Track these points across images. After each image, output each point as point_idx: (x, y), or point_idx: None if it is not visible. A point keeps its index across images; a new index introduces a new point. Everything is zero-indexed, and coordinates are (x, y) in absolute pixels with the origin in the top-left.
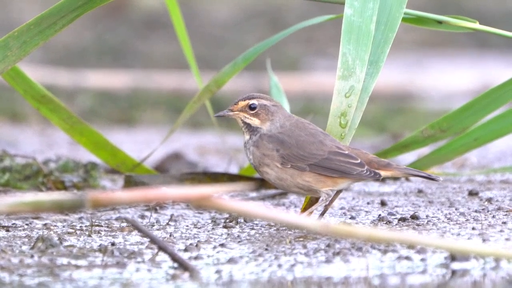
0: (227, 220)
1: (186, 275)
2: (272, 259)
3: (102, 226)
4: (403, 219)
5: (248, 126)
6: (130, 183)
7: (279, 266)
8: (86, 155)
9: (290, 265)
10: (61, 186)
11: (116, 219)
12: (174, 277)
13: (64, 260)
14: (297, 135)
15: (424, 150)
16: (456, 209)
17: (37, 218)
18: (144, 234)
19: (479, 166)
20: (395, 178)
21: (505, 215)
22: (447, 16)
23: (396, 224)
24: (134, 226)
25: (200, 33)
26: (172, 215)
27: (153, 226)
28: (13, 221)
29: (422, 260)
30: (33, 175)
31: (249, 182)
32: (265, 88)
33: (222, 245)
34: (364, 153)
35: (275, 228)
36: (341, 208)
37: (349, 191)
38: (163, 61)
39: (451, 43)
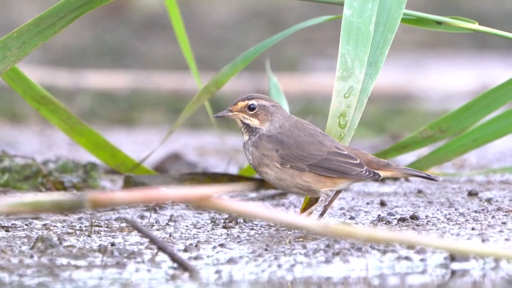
0: (227, 221)
1: (185, 275)
2: (272, 259)
3: (101, 226)
4: (402, 220)
5: (247, 126)
6: (129, 183)
7: (279, 266)
8: (85, 156)
9: (289, 265)
10: (60, 186)
11: (116, 219)
12: (173, 277)
13: (64, 260)
14: (296, 136)
15: (424, 151)
16: (455, 210)
17: (36, 218)
18: (143, 234)
19: (478, 166)
20: (395, 179)
21: (505, 215)
22: (446, 17)
23: (395, 225)
24: (133, 226)
25: (199, 33)
26: (171, 216)
27: (153, 226)
28: (13, 222)
29: (422, 260)
30: (32, 176)
31: (249, 183)
32: (265, 88)
33: (221, 245)
34: (364, 153)
35: (274, 229)
36: (341, 209)
37: (349, 191)
38: (163, 61)
39: (450, 44)
